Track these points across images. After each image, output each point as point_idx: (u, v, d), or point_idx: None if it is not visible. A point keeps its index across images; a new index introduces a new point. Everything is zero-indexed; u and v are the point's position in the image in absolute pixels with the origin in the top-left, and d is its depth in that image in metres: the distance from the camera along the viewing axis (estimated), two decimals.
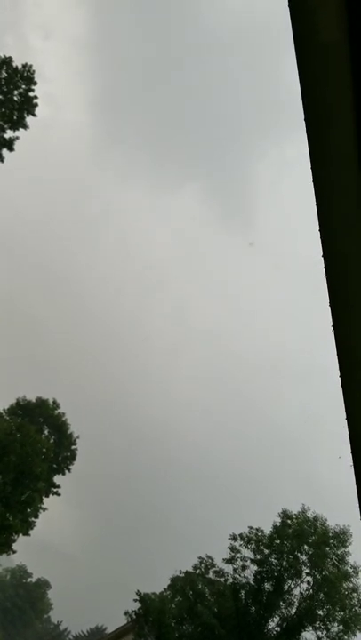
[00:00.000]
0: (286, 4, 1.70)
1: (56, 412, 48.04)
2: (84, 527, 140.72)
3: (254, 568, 24.29)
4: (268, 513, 26.07)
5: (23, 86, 35.62)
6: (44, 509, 40.27)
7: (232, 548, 24.83)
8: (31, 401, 47.91)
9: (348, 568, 22.88)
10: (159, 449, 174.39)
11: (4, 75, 35.07)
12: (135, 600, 24.33)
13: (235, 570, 24.51)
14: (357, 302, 2.11)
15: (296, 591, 23.53)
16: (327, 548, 23.16)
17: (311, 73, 1.81)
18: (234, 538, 25.02)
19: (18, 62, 35.42)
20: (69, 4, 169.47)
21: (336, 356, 2.25)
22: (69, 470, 46.62)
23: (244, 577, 24.33)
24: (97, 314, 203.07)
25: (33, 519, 38.48)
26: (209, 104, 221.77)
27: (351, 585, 22.55)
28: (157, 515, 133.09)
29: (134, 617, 24.53)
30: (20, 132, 36.07)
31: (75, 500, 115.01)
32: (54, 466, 44.49)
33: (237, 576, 24.41)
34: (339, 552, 23.12)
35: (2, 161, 36.14)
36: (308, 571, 23.49)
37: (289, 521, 24.67)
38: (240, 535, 25.06)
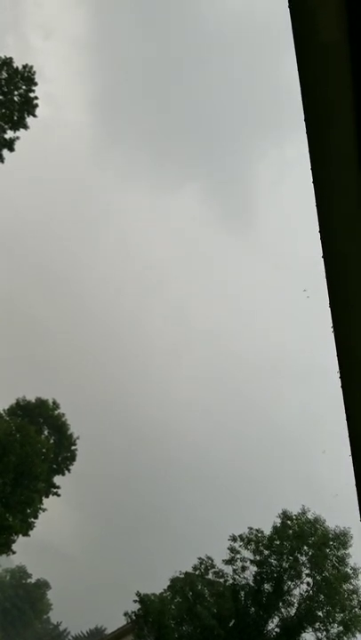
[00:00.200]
0: (286, 4, 1.71)
1: (56, 412, 47.98)
2: (83, 527, 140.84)
3: (254, 569, 24.31)
4: (268, 513, 26.11)
5: (24, 87, 35.66)
6: (44, 510, 40.21)
7: (232, 549, 24.85)
8: (31, 401, 47.84)
9: (348, 570, 22.90)
10: (159, 449, 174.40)
11: (5, 75, 35.11)
12: (135, 601, 24.35)
13: (234, 571, 24.53)
14: (357, 302, 2.11)
15: (296, 592, 23.57)
16: (327, 550, 23.16)
17: (311, 73, 1.81)
18: (234, 539, 25.03)
19: (18, 62, 35.45)
20: (69, 4, 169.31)
21: (336, 356, 2.25)
22: (69, 471, 46.57)
23: (244, 578, 24.36)
24: (97, 314, 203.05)
25: (33, 520, 38.44)
26: (209, 104, 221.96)
27: (351, 587, 22.58)
28: (157, 515, 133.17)
29: (134, 618, 24.52)
30: (21, 133, 36.15)
31: (74, 501, 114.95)
32: (54, 466, 44.44)
33: (237, 577, 24.43)
34: (339, 554, 23.13)
35: (2, 161, 36.20)
36: (307, 572, 23.51)
37: (289, 522, 24.67)
38: (240, 536, 25.07)
